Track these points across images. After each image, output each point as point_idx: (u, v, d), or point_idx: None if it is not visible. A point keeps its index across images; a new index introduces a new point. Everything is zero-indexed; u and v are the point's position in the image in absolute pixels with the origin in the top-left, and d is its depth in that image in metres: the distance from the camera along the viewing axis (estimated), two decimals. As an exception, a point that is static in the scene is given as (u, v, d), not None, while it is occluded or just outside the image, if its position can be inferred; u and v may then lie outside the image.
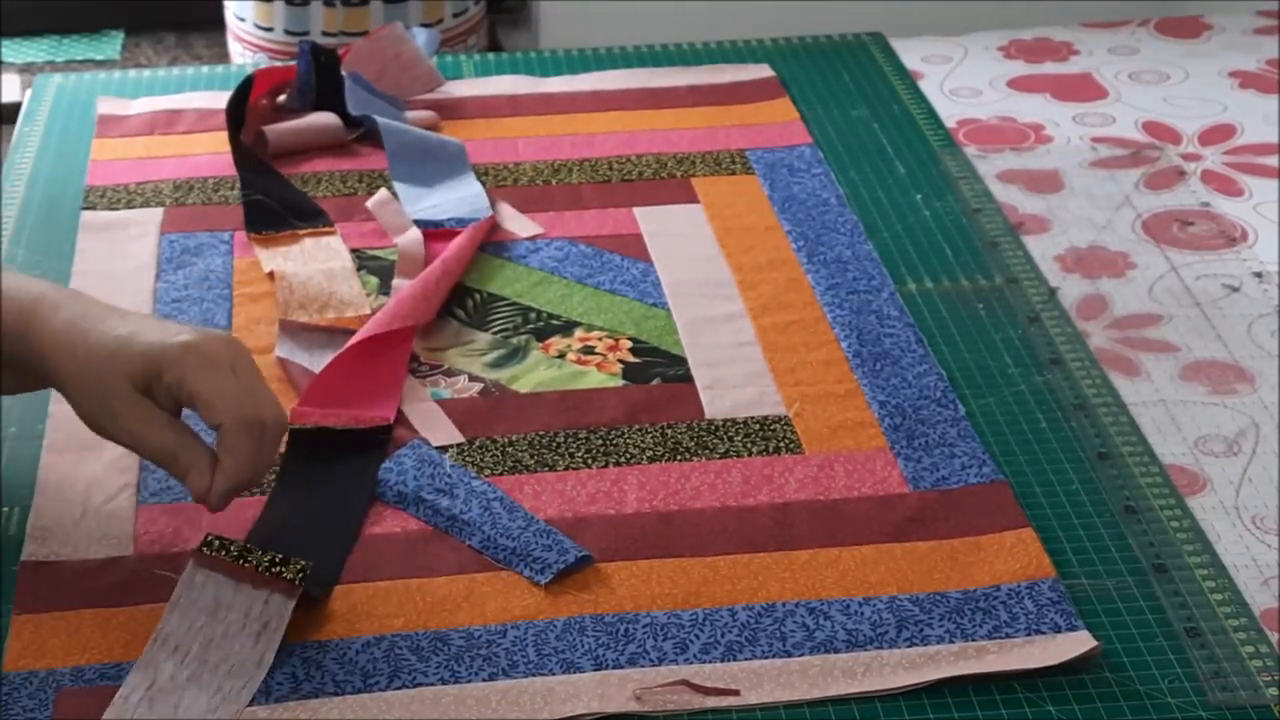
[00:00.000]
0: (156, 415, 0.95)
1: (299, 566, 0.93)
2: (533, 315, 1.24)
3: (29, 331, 0.96)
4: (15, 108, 1.65)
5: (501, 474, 1.07)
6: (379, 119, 1.44)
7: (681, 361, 1.18)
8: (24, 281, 1.00)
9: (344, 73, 1.49)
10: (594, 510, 1.04)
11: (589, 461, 1.08)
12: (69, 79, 1.59)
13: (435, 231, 1.31)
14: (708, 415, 1.13)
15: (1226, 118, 1.58)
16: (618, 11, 2.55)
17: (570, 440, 1.10)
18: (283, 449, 1.07)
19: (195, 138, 1.47)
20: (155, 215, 1.35)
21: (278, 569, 0.93)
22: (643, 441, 1.10)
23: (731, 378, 1.16)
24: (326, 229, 1.33)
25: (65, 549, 1.00)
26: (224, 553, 0.94)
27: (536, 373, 1.17)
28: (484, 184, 1.39)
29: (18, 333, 0.97)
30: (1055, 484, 1.06)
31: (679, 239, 1.33)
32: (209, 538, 0.94)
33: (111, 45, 3.02)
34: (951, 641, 0.94)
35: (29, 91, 1.58)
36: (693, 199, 1.39)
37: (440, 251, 1.28)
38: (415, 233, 1.31)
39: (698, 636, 0.94)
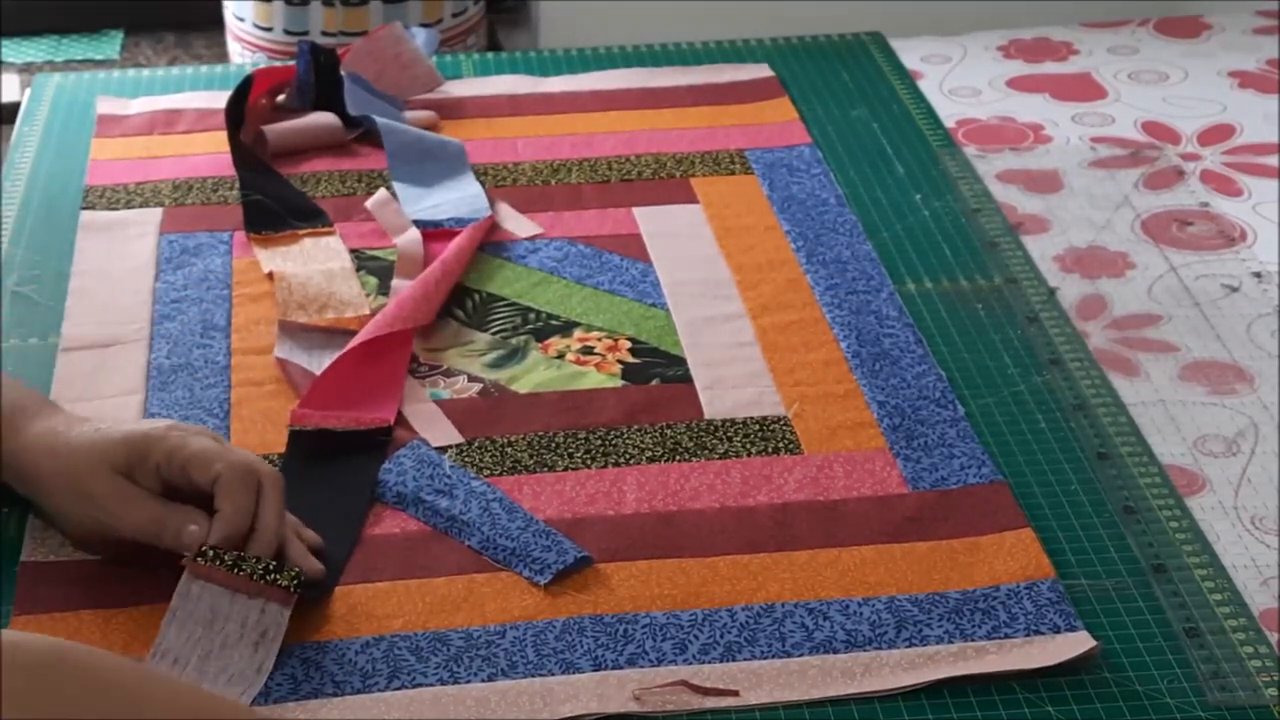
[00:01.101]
0: (137, 493, 0.96)
1: (293, 573, 0.93)
2: (532, 315, 1.24)
3: (8, 439, 0.99)
4: (15, 107, 1.65)
5: (501, 474, 1.07)
6: (378, 119, 1.44)
7: (681, 362, 1.18)
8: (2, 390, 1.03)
9: (343, 73, 1.48)
10: (593, 511, 1.04)
11: (588, 462, 1.08)
12: (68, 79, 1.59)
13: (434, 231, 1.31)
14: (707, 415, 1.13)
15: (1226, 118, 1.58)
16: (618, 11, 2.55)
17: (569, 440, 1.10)
18: (282, 450, 1.07)
19: (194, 137, 1.47)
20: (154, 215, 1.35)
21: (272, 576, 0.93)
22: (642, 442, 1.10)
23: (731, 378, 1.16)
24: (326, 229, 1.33)
25: (65, 549, 1.00)
26: (218, 562, 0.93)
27: (536, 373, 1.17)
28: (483, 184, 1.39)
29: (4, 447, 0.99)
30: (1054, 484, 1.06)
31: (678, 239, 1.33)
32: (202, 548, 0.94)
33: (111, 45, 3.02)
34: (951, 642, 0.94)
35: (28, 91, 1.58)
36: (692, 199, 1.39)
37: (440, 252, 1.28)
38: (414, 233, 1.31)
39: (697, 637, 0.94)
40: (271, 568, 0.93)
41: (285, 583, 0.93)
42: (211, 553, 0.94)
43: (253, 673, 0.90)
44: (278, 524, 0.96)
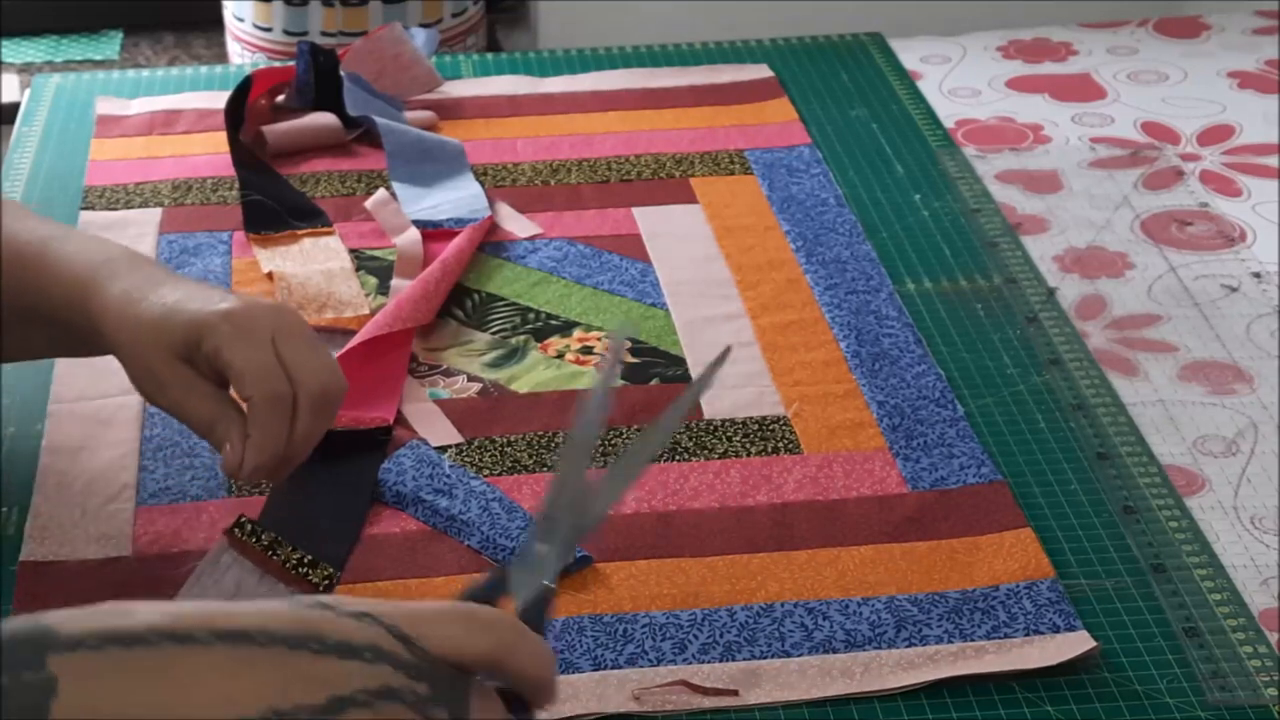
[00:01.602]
0: (198, 385, 0.94)
1: (327, 572, 0.93)
2: (531, 315, 1.24)
3: (87, 301, 0.96)
4: (14, 108, 1.65)
5: (500, 474, 1.07)
6: (378, 119, 1.44)
7: (680, 362, 1.18)
8: (89, 245, 1.00)
9: (343, 73, 1.49)
10: (593, 510, 1.04)
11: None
12: (68, 79, 1.59)
13: (434, 231, 1.31)
14: (706, 415, 1.13)
15: (1225, 118, 1.58)
16: (617, 11, 2.55)
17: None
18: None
19: (194, 138, 1.47)
20: (154, 215, 1.35)
21: (305, 570, 0.93)
22: (642, 442, 1.10)
23: (730, 378, 1.16)
24: (325, 229, 1.33)
25: (65, 549, 1.00)
26: (254, 540, 0.93)
27: (535, 373, 1.17)
28: (483, 184, 1.39)
29: (76, 301, 0.96)
30: (1054, 484, 1.06)
31: (678, 239, 1.33)
32: (242, 519, 0.94)
33: (110, 45, 3.02)
34: (950, 642, 0.94)
35: (28, 91, 1.58)
36: (691, 199, 1.39)
37: (439, 252, 1.28)
38: (414, 233, 1.31)
39: (696, 637, 0.94)
40: (306, 561, 0.93)
41: (316, 579, 0.93)
42: (250, 526, 0.93)
43: None
44: (307, 446, 0.94)
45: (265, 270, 1.27)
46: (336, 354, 1.15)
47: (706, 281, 1.27)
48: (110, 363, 1.16)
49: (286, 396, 0.92)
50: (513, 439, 1.10)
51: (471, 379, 1.16)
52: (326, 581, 0.93)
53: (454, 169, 1.42)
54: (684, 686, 0.91)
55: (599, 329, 1.22)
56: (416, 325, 1.18)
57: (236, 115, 1.46)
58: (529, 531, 0.82)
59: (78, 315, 0.96)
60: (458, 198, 1.37)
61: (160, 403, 0.95)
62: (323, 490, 1.04)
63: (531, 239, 1.33)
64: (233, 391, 0.95)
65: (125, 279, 0.96)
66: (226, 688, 0.60)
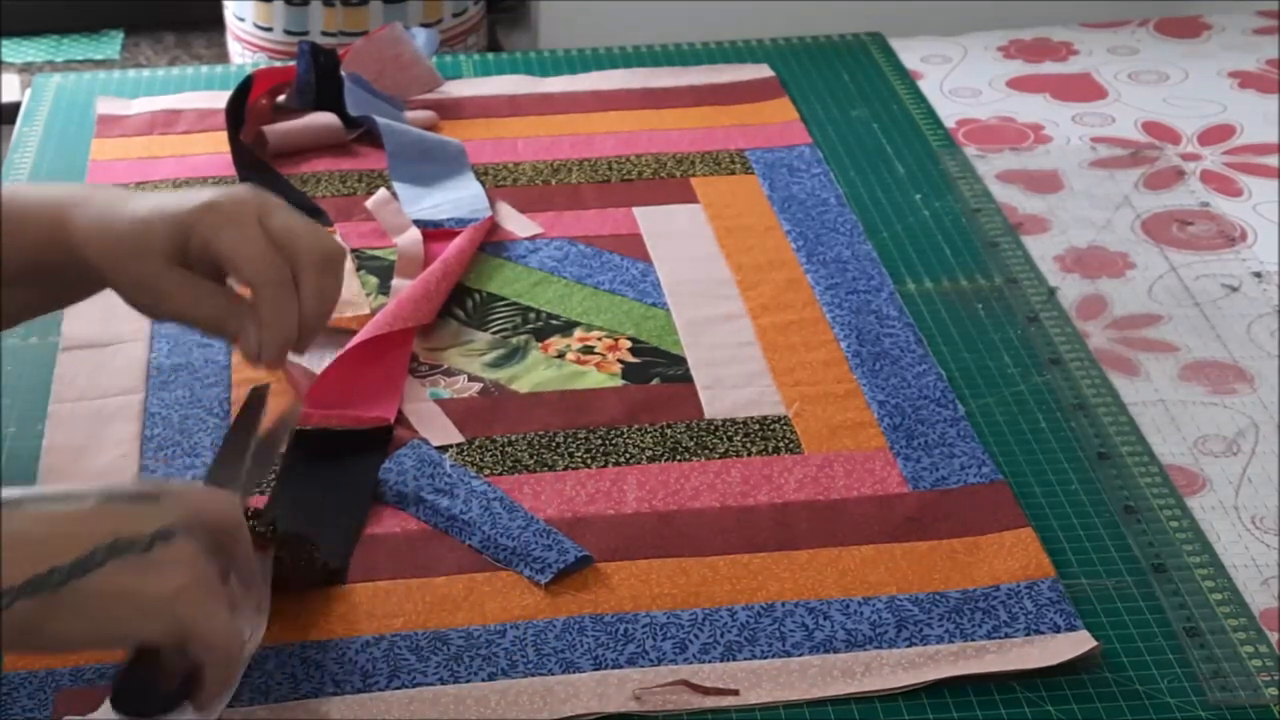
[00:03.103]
0: (198, 285, 0.93)
1: (269, 520, 0.92)
2: (532, 315, 1.24)
3: (66, 236, 0.95)
4: (15, 108, 1.65)
5: (501, 474, 1.07)
6: (379, 119, 1.44)
7: (681, 361, 1.18)
8: (44, 189, 0.99)
9: (343, 73, 1.48)
10: (594, 510, 1.04)
11: (589, 461, 1.08)
12: (68, 79, 1.59)
13: (434, 231, 1.31)
14: (707, 415, 1.13)
15: (1226, 118, 1.58)
16: (618, 11, 2.55)
17: (570, 440, 1.10)
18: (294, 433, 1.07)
19: (195, 138, 1.47)
20: (155, 215, 1.35)
21: (251, 523, 0.90)
22: (642, 441, 1.10)
23: (731, 378, 1.16)
24: (326, 229, 1.33)
25: (65, 549, 1.00)
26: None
27: (536, 372, 1.17)
28: (483, 184, 1.39)
29: (50, 238, 0.95)
30: (1055, 484, 1.06)
31: (678, 239, 1.33)
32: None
33: (111, 45, 3.02)
34: (951, 641, 0.94)
35: (29, 91, 1.58)
36: (692, 199, 1.39)
37: (440, 252, 1.28)
38: (414, 233, 1.31)
39: (697, 636, 0.94)
40: (250, 514, 0.90)
41: (262, 529, 0.92)
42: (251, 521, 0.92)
43: (252, 611, 0.90)
44: (324, 312, 0.94)
45: (266, 270, 1.27)
46: (337, 354, 1.15)
47: (707, 281, 1.27)
48: (110, 360, 1.17)
49: (287, 272, 0.92)
50: (513, 439, 1.10)
51: (472, 379, 1.16)
52: (270, 529, 0.92)
53: (455, 169, 1.42)
54: (685, 686, 0.91)
55: (600, 329, 1.22)
56: (417, 325, 1.18)
57: (237, 115, 1.45)
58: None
59: (60, 253, 0.95)
60: (458, 198, 1.37)
61: (163, 313, 0.95)
62: (323, 490, 1.05)
63: (532, 239, 1.33)
64: (231, 281, 0.94)
65: (94, 204, 0.95)
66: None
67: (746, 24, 2.30)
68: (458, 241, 1.28)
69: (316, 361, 1.16)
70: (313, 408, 1.10)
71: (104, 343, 1.19)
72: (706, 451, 1.09)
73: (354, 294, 1.24)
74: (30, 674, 0.91)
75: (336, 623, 0.95)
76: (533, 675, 0.92)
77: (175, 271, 0.93)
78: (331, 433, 1.08)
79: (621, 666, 0.92)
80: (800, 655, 0.93)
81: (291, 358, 1.14)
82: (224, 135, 1.43)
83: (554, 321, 1.23)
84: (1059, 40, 1.75)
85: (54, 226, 0.95)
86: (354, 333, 1.18)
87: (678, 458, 1.08)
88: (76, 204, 0.96)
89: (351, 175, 1.42)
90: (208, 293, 0.93)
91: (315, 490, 1.04)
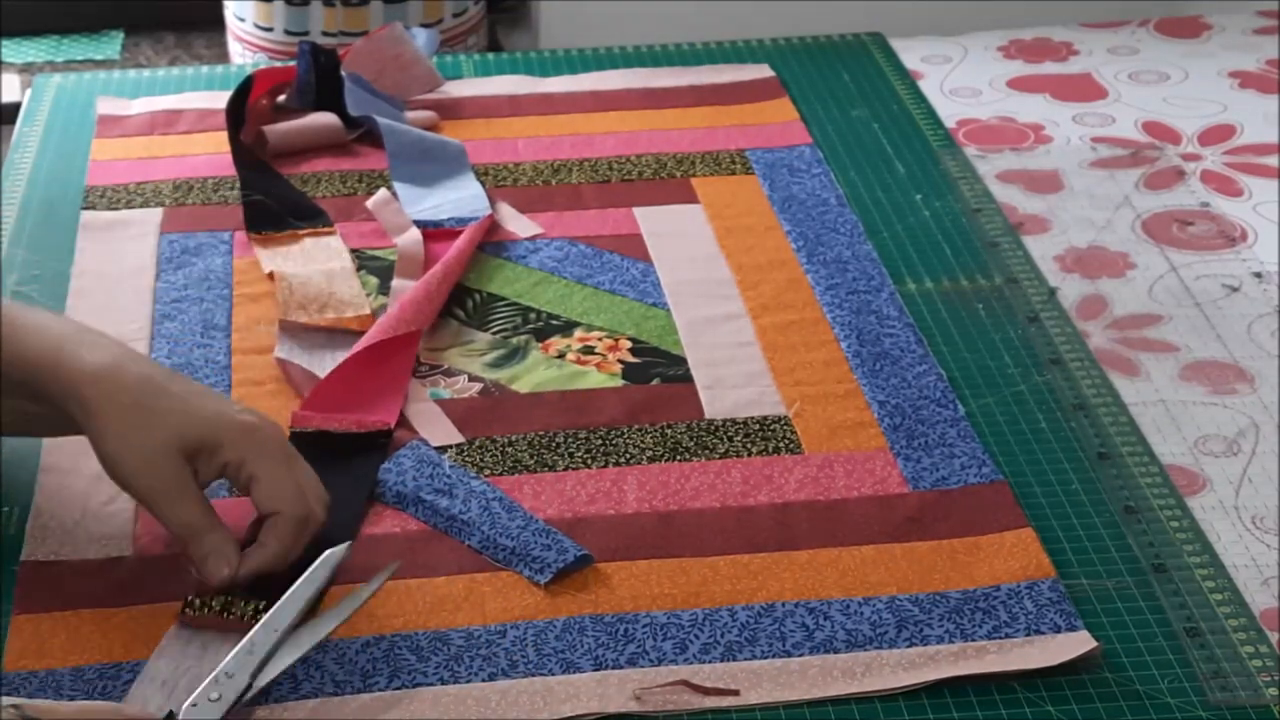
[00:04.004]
0: (192, 488, 0.94)
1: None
2: (532, 315, 1.24)
3: (59, 367, 0.94)
4: (15, 108, 1.65)
5: (501, 474, 1.07)
6: (379, 119, 1.44)
7: (681, 361, 1.18)
8: (56, 317, 1.00)
9: (343, 73, 1.48)
10: (594, 510, 1.04)
11: (589, 461, 1.08)
12: (69, 79, 1.59)
13: (435, 231, 1.31)
14: (707, 415, 1.13)
15: (1226, 118, 1.58)
16: (618, 11, 2.55)
17: (570, 440, 1.10)
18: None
19: (195, 138, 1.47)
20: (155, 215, 1.35)
21: (262, 616, 0.92)
22: (643, 441, 1.10)
23: (731, 378, 1.16)
24: (326, 229, 1.33)
25: (65, 549, 1.00)
26: (206, 610, 0.93)
27: (536, 373, 1.17)
28: (484, 184, 1.39)
29: (48, 366, 0.95)
30: (1055, 484, 1.06)
31: (679, 239, 1.33)
32: (190, 599, 0.93)
33: (111, 45, 3.02)
34: (951, 642, 0.94)
35: (29, 91, 1.58)
36: (692, 199, 1.39)
37: (440, 252, 1.28)
38: (415, 233, 1.31)
39: (697, 636, 0.94)
40: (261, 607, 0.92)
41: (248, 612, 0.92)
42: (198, 601, 0.93)
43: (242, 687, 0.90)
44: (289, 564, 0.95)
45: (266, 270, 1.27)
46: (337, 354, 1.15)
47: (707, 281, 1.27)
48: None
49: (308, 519, 0.95)
50: (513, 439, 1.10)
51: (472, 379, 1.16)
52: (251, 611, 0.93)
53: (455, 169, 1.41)
54: (685, 686, 0.91)
55: (600, 329, 1.22)
56: (419, 328, 1.18)
57: (237, 115, 1.46)
58: (211, 680, 0.86)
59: (48, 382, 0.95)
60: (459, 198, 1.37)
61: (139, 489, 0.94)
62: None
63: (532, 239, 1.33)
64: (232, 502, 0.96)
65: (106, 349, 0.96)
66: None
67: (746, 24, 2.30)
68: (458, 243, 1.28)
69: (317, 362, 1.16)
70: (314, 410, 1.10)
71: (104, 343, 1.19)
72: (707, 452, 1.09)
73: (355, 294, 1.24)
74: (30, 674, 0.91)
75: (337, 623, 0.95)
76: (533, 675, 0.92)
77: (182, 464, 0.93)
78: (331, 435, 1.08)
79: (622, 667, 0.92)
80: (800, 655, 0.93)
81: (291, 357, 1.14)
82: (224, 135, 1.43)
83: (554, 321, 1.23)
84: (1059, 40, 1.75)
85: (55, 356, 0.95)
86: (354, 333, 1.18)
87: (678, 458, 1.08)
88: (84, 345, 0.95)
89: (352, 175, 1.42)
90: (198, 499, 0.94)
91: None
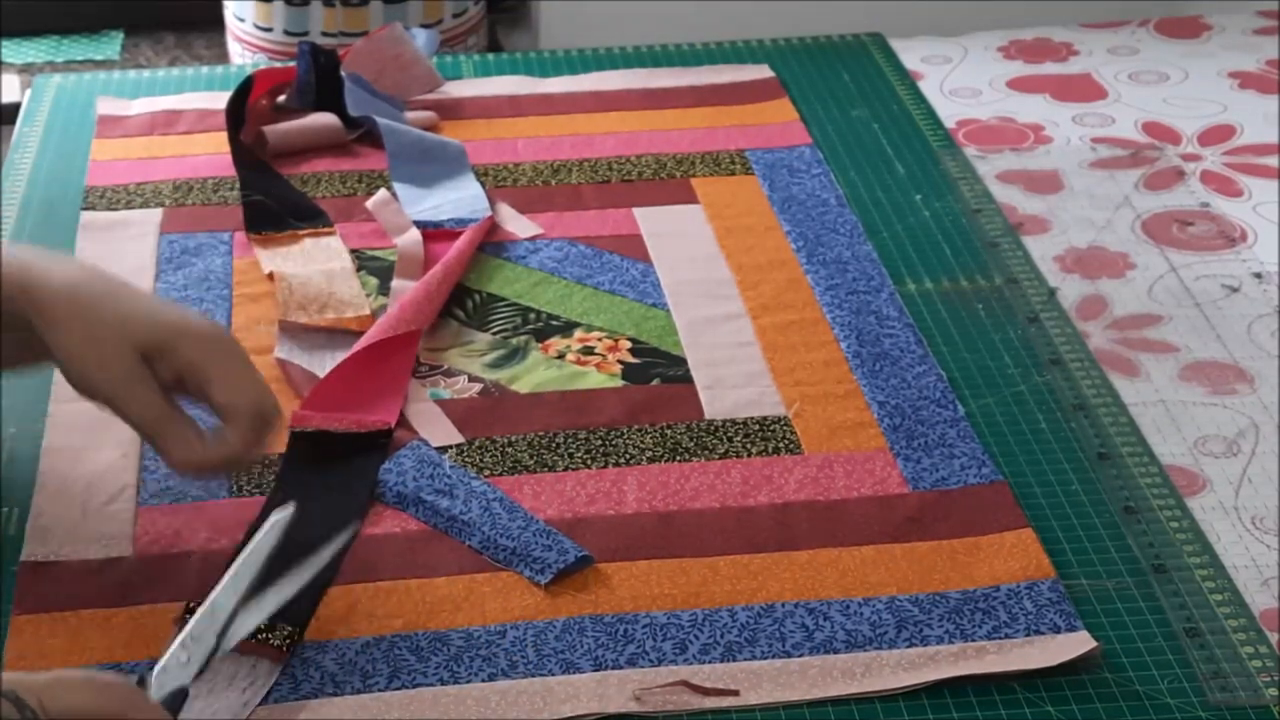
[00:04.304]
0: (152, 383, 0.95)
1: (285, 632, 0.92)
2: (532, 316, 1.24)
3: (29, 284, 0.96)
4: (15, 108, 1.65)
5: (501, 474, 1.07)
6: (379, 119, 1.44)
7: (681, 362, 1.18)
8: (19, 247, 1.01)
9: (343, 73, 1.48)
10: (594, 510, 1.04)
11: (589, 462, 1.08)
12: (69, 79, 1.59)
13: (435, 232, 1.31)
14: (707, 415, 1.13)
15: (1226, 118, 1.58)
16: (618, 11, 2.55)
17: (570, 440, 1.10)
18: (282, 449, 1.07)
19: (195, 138, 1.47)
20: (155, 215, 1.35)
21: (264, 636, 0.92)
22: (642, 442, 1.10)
23: (731, 378, 1.16)
24: (326, 229, 1.33)
25: (65, 549, 1.00)
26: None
27: (536, 373, 1.17)
28: (484, 185, 1.39)
29: (16, 284, 0.96)
30: (1055, 484, 1.06)
31: (679, 239, 1.33)
32: (189, 605, 0.93)
33: (111, 45, 3.02)
34: (951, 642, 0.94)
35: (29, 92, 1.58)
36: (692, 199, 1.39)
37: (439, 252, 1.28)
38: (414, 233, 1.31)
39: (697, 637, 0.94)
40: (263, 628, 0.91)
41: (277, 642, 0.92)
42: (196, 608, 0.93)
43: (239, 706, 0.90)
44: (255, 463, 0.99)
45: (266, 270, 1.27)
46: (337, 354, 1.15)
47: (707, 281, 1.27)
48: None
49: (270, 414, 0.96)
50: (513, 439, 1.10)
51: (472, 379, 1.16)
52: (287, 641, 0.92)
53: (455, 170, 1.41)
54: (685, 687, 0.91)
55: (600, 329, 1.22)
56: (419, 328, 1.18)
57: (237, 115, 1.46)
58: (177, 645, 0.86)
59: (17, 299, 0.96)
60: (458, 198, 1.37)
61: (103, 394, 0.95)
62: (321, 492, 1.04)
63: (532, 239, 1.33)
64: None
65: (68, 267, 0.98)
66: None
67: (746, 24, 2.30)
68: (458, 245, 1.28)
69: (316, 362, 1.16)
70: (315, 410, 1.10)
71: (104, 343, 1.19)
72: (706, 452, 1.09)
73: (354, 294, 1.24)
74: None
75: (336, 623, 0.95)
76: (533, 675, 0.92)
77: (138, 362, 0.95)
78: (331, 435, 1.08)
79: (621, 667, 0.92)
80: (800, 656, 0.93)
81: (291, 357, 1.14)
82: (224, 135, 1.44)
83: (554, 322, 1.23)
84: (1059, 41, 1.75)
85: (20, 279, 0.96)
86: (354, 333, 1.18)
87: (678, 458, 1.08)
88: (48, 265, 0.97)
89: (351, 175, 1.42)
90: (158, 392, 0.95)
91: (313, 493, 1.04)
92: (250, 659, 0.91)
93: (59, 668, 0.92)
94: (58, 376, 1.15)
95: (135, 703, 0.81)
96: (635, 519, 1.03)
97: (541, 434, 1.11)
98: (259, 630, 0.91)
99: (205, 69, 1.64)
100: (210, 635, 0.86)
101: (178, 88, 1.57)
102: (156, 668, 0.85)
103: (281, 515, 0.90)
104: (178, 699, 0.84)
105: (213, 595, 0.88)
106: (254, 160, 1.42)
